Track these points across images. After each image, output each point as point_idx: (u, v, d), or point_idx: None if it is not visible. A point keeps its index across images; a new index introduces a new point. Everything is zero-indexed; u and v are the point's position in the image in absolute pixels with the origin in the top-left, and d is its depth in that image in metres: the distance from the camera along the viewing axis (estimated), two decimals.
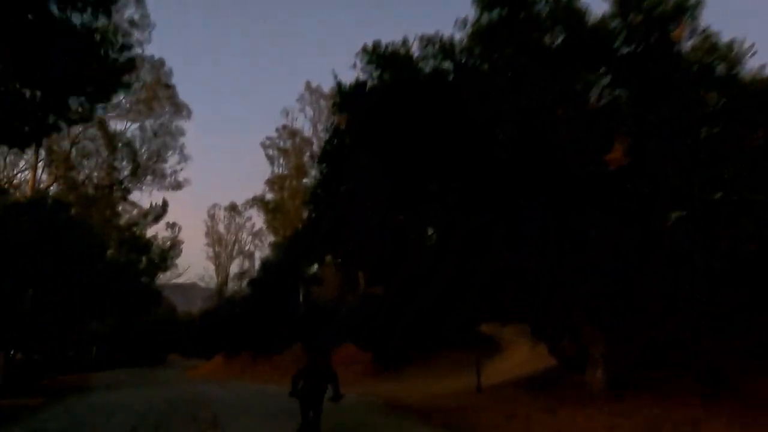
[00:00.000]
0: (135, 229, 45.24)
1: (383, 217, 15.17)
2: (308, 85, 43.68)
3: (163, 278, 67.86)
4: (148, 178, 41.69)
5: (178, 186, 42.93)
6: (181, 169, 42.78)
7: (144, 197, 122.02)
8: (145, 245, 46.18)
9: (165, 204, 48.30)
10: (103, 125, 38.08)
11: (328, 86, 49.85)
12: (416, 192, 14.97)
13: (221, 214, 74.70)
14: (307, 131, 53.15)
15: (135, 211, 46.04)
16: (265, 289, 43.06)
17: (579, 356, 14.97)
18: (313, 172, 38.47)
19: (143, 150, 40.76)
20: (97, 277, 33.60)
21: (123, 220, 44.37)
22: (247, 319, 42.75)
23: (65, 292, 28.11)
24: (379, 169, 14.60)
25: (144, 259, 49.66)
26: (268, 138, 60.92)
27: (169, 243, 65.46)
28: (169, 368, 59.21)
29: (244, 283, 62.99)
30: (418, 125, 13.57)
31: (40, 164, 37.02)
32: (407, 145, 13.95)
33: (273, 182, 59.94)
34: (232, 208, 76.24)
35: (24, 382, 32.51)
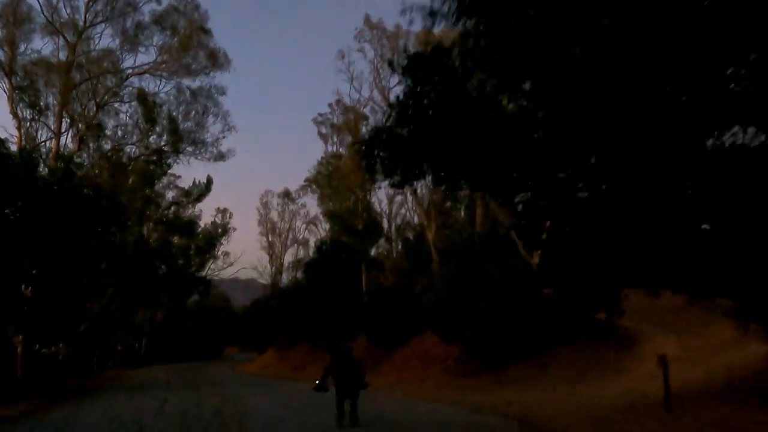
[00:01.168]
0: (175, 208, 40.38)
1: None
2: (367, 19, 36.76)
3: (217, 270, 64.23)
4: (188, 147, 36.64)
5: (221, 156, 37.77)
6: (224, 137, 37.55)
7: (185, 172, 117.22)
8: (187, 226, 41.48)
9: (209, 181, 43.46)
10: (141, 94, 33.25)
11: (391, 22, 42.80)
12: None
13: (274, 201, 70.09)
14: (367, 74, 46.41)
15: (173, 187, 41.12)
16: (322, 274, 37.25)
17: None
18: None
19: (180, 113, 35.69)
20: (119, 260, 28.81)
21: (161, 198, 39.48)
22: (302, 308, 37.13)
23: (73, 277, 23.01)
24: None
25: (187, 241, 45.33)
26: (320, 114, 55.55)
27: (220, 229, 61.86)
28: (223, 362, 54.61)
29: (300, 272, 57.97)
30: None
31: (66, 133, 32.43)
32: None
33: (327, 161, 54.77)
34: (286, 195, 71.65)
35: (48, 379, 28.08)
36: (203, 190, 41.78)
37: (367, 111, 35.37)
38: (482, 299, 19.72)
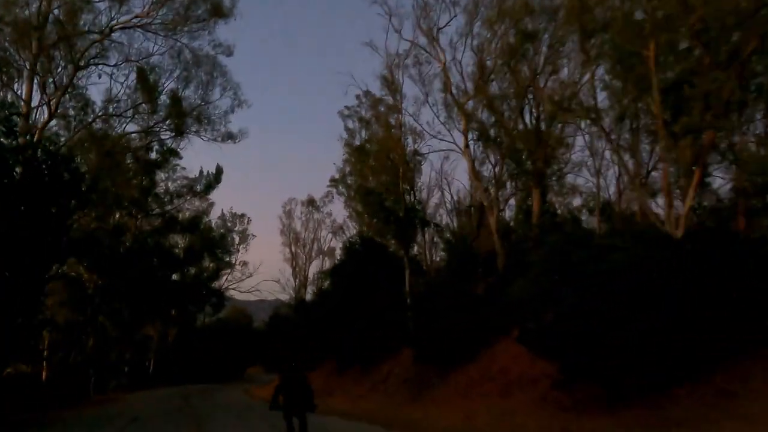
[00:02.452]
0: (179, 201, 34.16)
1: None
2: None
3: (234, 281, 58.02)
4: (192, 124, 30.45)
5: (230, 137, 31.45)
6: (233, 111, 31.21)
7: (190, 158, 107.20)
8: (191, 224, 35.14)
9: (219, 171, 37.16)
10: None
11: None
12: None
13: (298, 210, 64.24)
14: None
15: (175, 176, 34.83)
16: (353, 279, 30.39)
17: None
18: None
19: (180, 81, 29.50)
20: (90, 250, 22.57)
21: (162, 187, 33.28)
22: (328, 320, 30.32)
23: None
24: None
25: (193, 241, 38.97)
26: (347, 107, 49.35)
27: (237, 236, 55.70)
28: (241, 385, 47.89)
29: (325, 282, 51.39)
30: None
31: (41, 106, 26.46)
32: None
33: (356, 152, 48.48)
34: (310, 203, 65.57)
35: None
36: (212, 180, 35.62)
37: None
38: (603, 288, 12.58)
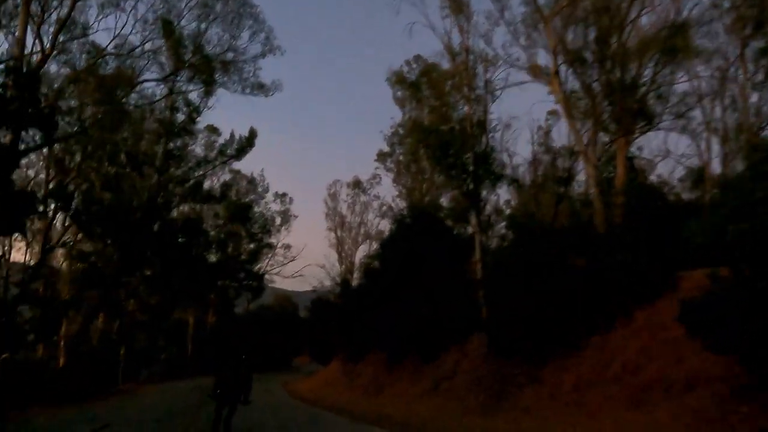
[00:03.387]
0: (205, 167, 29.80)
1: None
2: None
3: (276, 265, 53.95)
4: (217, 74, 25.96)
5: (260, 87, 26.81)
6: (263, 56, 26.49)
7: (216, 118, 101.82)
8: (222, 194, 30.69)
9: (252, 134, 32.52)
10: None
11: None
12: None
13: (343, 193, 59.92)
14: None
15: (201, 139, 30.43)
16: (407, 255, 25.26)
17: None
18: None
19: (203, 19, 24.97)
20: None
21: (185, 149, 28.92)
22: (377, 303, 25.34)
23: None
24: None
25: (223, 214, 34.64)
26: (395, 73, 44.29)
27: (279, 217, 51.49)
28: (281, 376, 43.74)
29: (374, 263, 46.59)
30: None
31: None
32: None
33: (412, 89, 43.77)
34: (356, 185, 61.07)
35: None
36: (244, 144, 31.12)
37: None
38: None
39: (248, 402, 11.60)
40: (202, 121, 30.72)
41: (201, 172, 29.89)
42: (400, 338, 22.24)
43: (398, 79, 24.13)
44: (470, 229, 38.05)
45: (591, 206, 22.36)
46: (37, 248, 23.77)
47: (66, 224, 22.85)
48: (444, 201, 37.73)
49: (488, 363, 16.49)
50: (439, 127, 18.92)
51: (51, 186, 21.59)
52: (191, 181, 28.25)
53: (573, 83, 18.86)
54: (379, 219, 57.41)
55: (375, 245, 57.85)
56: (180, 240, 26.65)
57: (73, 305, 23.14)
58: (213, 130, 32.82)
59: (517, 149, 44.07)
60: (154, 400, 21.13)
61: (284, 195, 51.73)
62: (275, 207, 50.77)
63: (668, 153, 24.18)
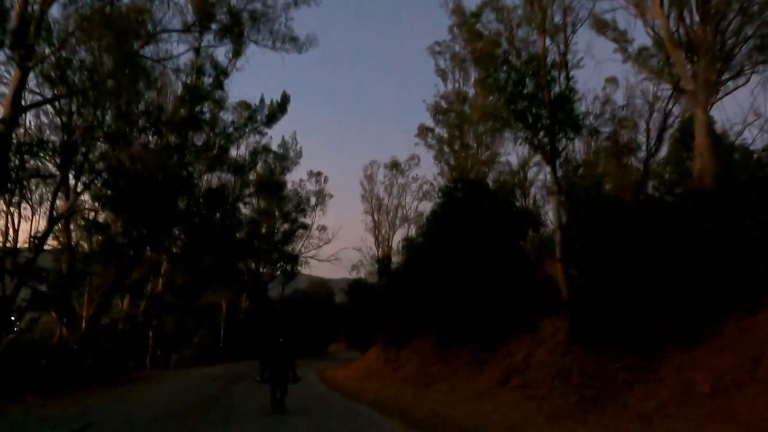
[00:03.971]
0: (233, 135, 27.00)
1: None
2: None
3: (311, 247, 51.33)
4: (246, 27, 23.04)
5: (293, 41, 23.79)
6: (296, 4, 23.40)
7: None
8: (252, 161, 27.84)
9: (285, 99, 29.62)
10: None
11: None
12: None
13: (380, 174, 57.30)
14: None
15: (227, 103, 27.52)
16: (455, 228, 22.08)
17: None
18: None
19: None
20: None
21: (211, 114, 26.13)
22: (424, 280, 22.25)
23: None
24: None
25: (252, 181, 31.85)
26: (437, 43, 40.68)
27: (314, 197, 48.71)
28: (318, 363, 41.17)
29: (419, 238, 43.73)
30: None
31: None
32: None
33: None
34: (394, 166, 58.20)
35: None
36: (275, 109, 28.23)
37: None
38: None
39: (298, 379, 12.87)
40: (231, 85, 27.81)
41: (226, 140, 27.07)
42: (453, 322, 19.08)
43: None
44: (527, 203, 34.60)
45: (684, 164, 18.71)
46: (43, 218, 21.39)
47: (78, 189, 20.38)
48: (490, 180, 34.71)
49: (572, 354, 13.17)
50: (511, 58, 15.43)
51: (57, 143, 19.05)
52: (215, 150, 25.48)
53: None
54: (417, 201, 55.00)
55: (413, 229, 55.20)
56: (204, 212, 24.06)
57: (80, 280, 20.77)
58: (246, 106, 29.84)
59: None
60: (165, 391, 18.56)
61: (319, 174, 49.11)
62: (310, 187, 48.34)
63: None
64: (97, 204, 21.96)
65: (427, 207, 61.77)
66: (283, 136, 25.77)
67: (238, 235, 34.70)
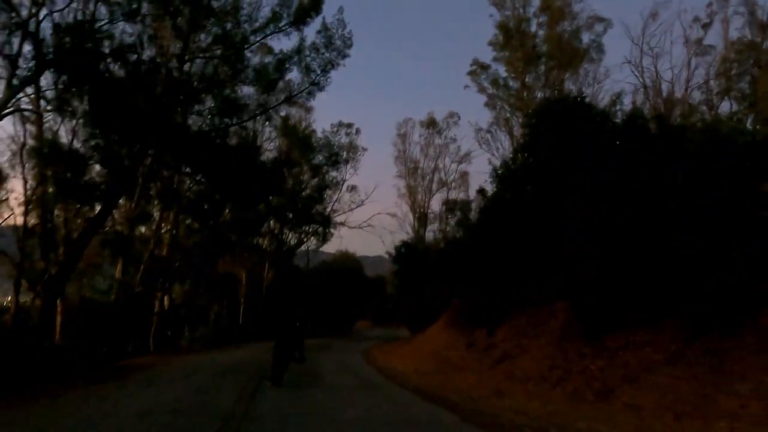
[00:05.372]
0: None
1: None
2: None
3: (341, 210, 44.52)
4: None
5: None
6: None
7: None
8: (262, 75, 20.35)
9: None
10: None
11: None
12: None
13: (416, 134, 51.18)
14: None
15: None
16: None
17: None
18: None
19: None
20: None
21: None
22: (521, 229, 15.27)
23: None
24: None
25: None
26: None
27: (345, 151, 41.68)
28: (351, 343, 34.80)
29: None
30: None
31: None
32: None
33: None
34: (430, 124, 51.61)
35: None
36: (307, 4, 20.91)
37: None
38: None
39: (304, 359, 13.08)
40: None
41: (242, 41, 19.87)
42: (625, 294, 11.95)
43: None
44: None
45: None
46: None
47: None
48: None
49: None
50: None
51: None
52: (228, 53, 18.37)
53: None
54: (456, 164, 48.90)
55: (452, 193, 49.01)
56: (214, 135, 17.23)
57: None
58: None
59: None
60: (168, 382, 11.96)
61: (350, 125, 42.05)
62: (342, 139, 41.36)
63: None
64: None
65: (468, 167, 54.94)
66: (323, 18, 18.57)
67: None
